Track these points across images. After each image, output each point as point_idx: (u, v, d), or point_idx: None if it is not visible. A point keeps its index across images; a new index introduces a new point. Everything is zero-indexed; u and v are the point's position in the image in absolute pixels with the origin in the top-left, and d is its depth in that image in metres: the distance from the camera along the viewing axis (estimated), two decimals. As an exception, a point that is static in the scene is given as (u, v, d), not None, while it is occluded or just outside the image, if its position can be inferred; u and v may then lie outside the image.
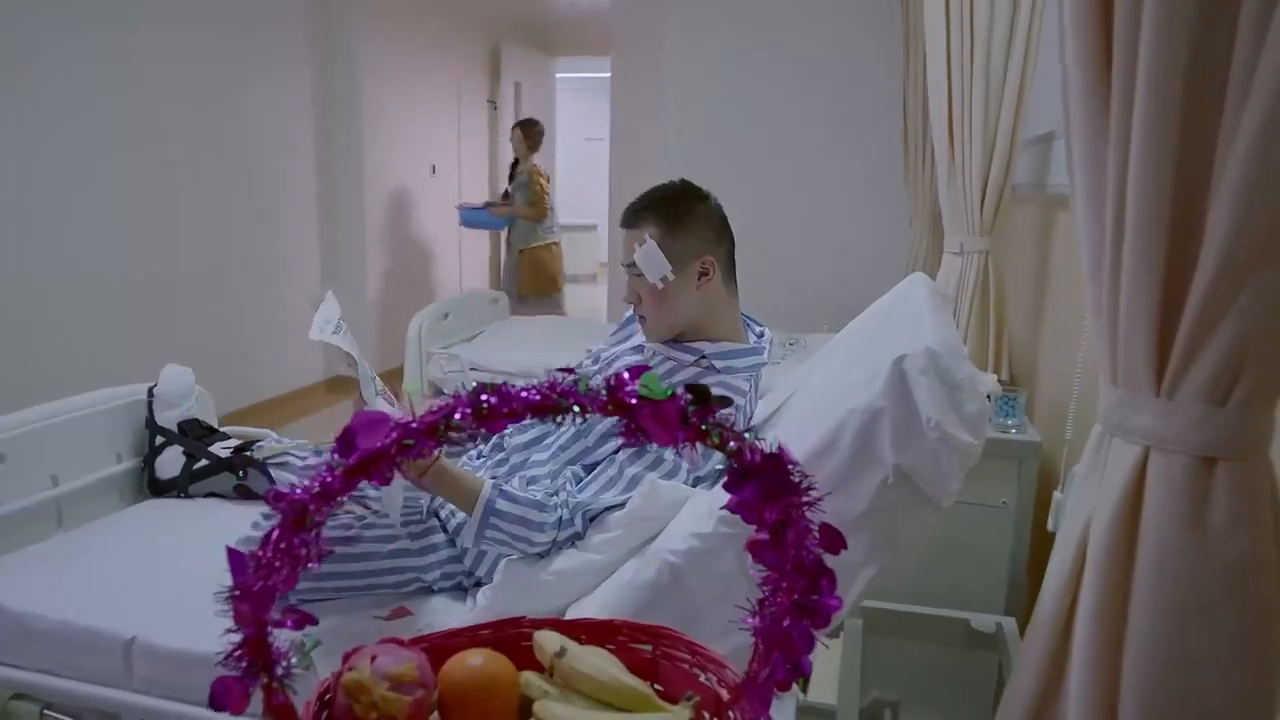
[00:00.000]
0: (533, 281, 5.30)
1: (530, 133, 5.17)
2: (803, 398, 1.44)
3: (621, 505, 1.37)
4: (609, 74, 5.74)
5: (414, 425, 0.60)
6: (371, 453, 0.59)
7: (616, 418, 1.48)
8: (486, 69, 6.12)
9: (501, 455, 1.64)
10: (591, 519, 1.42)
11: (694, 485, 1.43)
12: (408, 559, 1.51)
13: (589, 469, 1.50)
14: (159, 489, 2.02)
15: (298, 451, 1.96)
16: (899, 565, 1.09)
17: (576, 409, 0.62)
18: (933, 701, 1.89)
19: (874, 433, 1.01)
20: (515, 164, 5.29)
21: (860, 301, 4.55)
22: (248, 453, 1.98)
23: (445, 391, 3.41)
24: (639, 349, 1.65)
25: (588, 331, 3.84)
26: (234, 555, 0.64)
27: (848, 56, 4.34)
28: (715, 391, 1.41)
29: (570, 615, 1.34)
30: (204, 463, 2.00)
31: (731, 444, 0.65)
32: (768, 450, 0.67)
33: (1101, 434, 0.85)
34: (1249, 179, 0.67)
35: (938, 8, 2.39)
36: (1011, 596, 2.01)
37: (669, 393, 0.64)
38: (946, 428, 0.98)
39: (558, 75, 7.18)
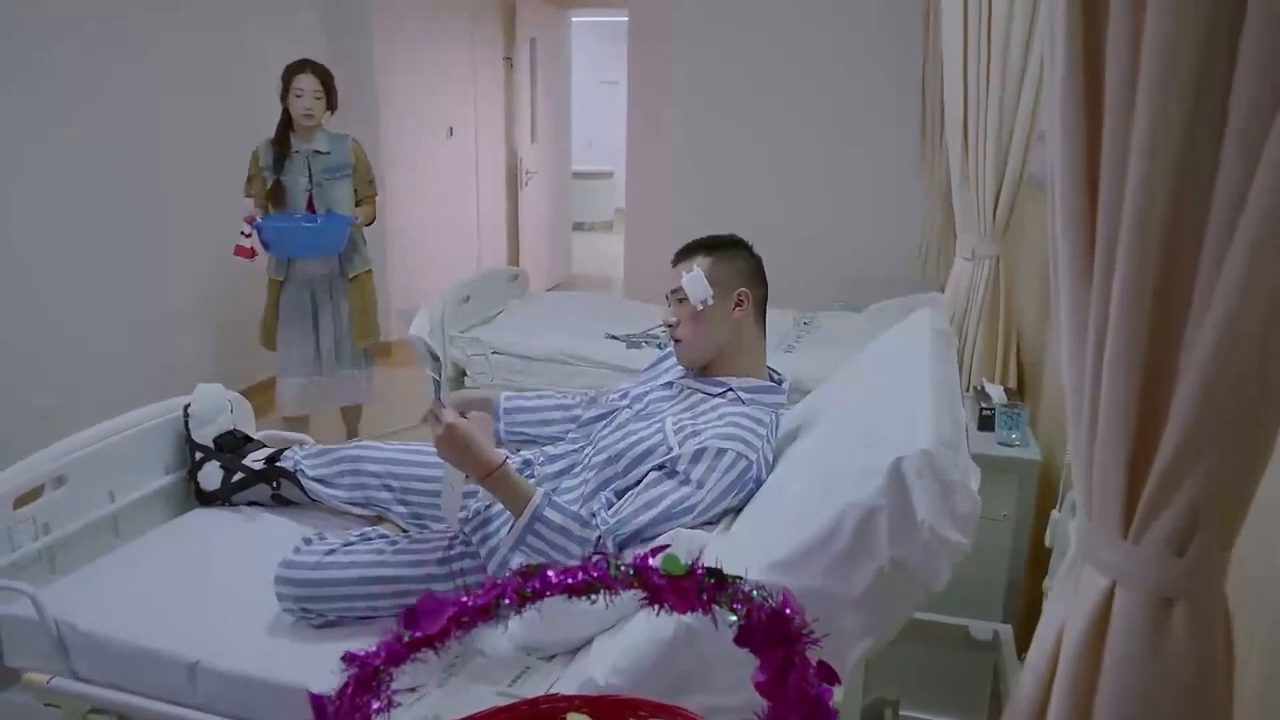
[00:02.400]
0: (369, 325, 3.46)
1: (333, 85, 3.35)
2: (806, 460, 1.54)
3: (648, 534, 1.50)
4: (626, 17, 5.66)
5: (470, 604, 0.70)
6: (433, 634, 0.69)
7: (645, 433, 1.63)
8: (500, 25, 6.04)
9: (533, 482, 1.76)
10: (621, 544, 1.55)
11: (704, 526, 1.55)
12: (437, 584, 1.66)
13: (619, 494, 1.64)
14: (204, 498, 2.15)
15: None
16: (890, 635, 1.20)
17: (607, 591, 0.72)
18: (930, 699, 2.02)
19: (872, 528, 1.12)
20: (286, 132, 3.28)
21: (873, 279, 4.57)
22: (278, 463, 2.11)
23: (469, 372, 3.51)
24: (669, 385, 1.80)
25: (605, 311, 3.89)
26: (315, 699, 0.75)
27: (867, 32, 4.28)
28: (741, 420, 1.55)
29: (596, 650, 1.47)
30: (240, 475, 2.13)
31: (741, 608, 0.75)
32: (772, 607, 0.77)
33: (1076, 555, 0.95)
34: (1205, 375, 0.75)
35: (954, 10, 2.39)
36: (1009, 605, 2.12)
37: (687, 569, 0.74)
38: (939, 529, 1.08)
39: (573, 19, 7.05)
